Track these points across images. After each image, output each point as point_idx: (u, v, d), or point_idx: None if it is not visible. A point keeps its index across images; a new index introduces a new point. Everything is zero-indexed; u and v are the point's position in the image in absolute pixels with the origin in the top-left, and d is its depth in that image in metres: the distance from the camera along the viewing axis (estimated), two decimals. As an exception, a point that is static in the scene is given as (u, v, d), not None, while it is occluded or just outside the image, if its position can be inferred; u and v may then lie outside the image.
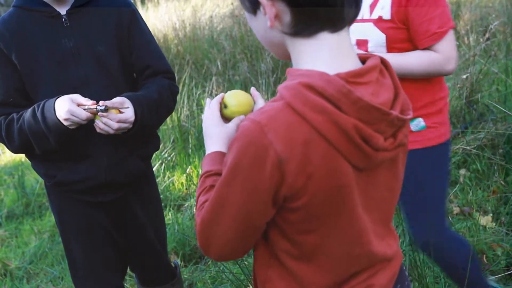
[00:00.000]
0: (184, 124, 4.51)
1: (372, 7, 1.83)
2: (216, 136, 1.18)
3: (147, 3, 9.44)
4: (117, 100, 1.75)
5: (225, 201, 0.95)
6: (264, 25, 0.97)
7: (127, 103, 1.77)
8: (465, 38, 5.10)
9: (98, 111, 1.70)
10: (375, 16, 1.82)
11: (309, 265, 1.04)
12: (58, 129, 1.74)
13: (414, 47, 1.83)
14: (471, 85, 3.93)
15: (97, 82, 1.81)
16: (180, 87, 5.06)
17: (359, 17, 1.77)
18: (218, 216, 0.97)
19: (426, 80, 1.87)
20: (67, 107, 1.69)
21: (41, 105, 1.76)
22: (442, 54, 1.81)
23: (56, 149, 1.82)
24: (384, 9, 1.80)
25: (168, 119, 4.56)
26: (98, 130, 1.76)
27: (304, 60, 0.96)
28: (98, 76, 1.82)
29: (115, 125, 1.73)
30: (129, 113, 1.76)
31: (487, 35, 4.88)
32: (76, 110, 1.68)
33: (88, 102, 1.71)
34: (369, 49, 1.84)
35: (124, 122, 1.75)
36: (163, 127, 4.59)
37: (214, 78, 5.32)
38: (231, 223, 0.96)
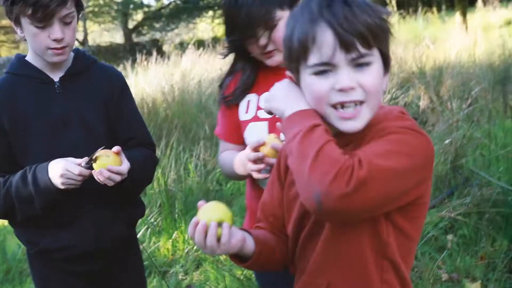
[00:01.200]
0: (171, 188, 4.49)
1: None
2: (301, 95, 1.23)
3: (137, 67, 9.60)
4: (118, 147, 1.77)
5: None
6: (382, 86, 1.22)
7: (122, 154, 1.78)
8: (448, 104, 5.22)
9: (85, 167, 1.72)
10: None
11: (408, 261, 1.26)
12: (47, 191, 1.73)
13: None
14: (456, 150, 3.98)
15: (86, 149, 1.82)
16: (168, 151, 5.07)
17: None
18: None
19: None
20: (63, 164, 1.71)
21: (33, 168, 1.78)
22: None
23: (39, 215, 1.80)
24: None
25: (155, 183, 4.54)
26: (96, 178, 1.74)
27: None
28: (87, 144, 1.84)
29: (118, 178, 1.74)
30: (126, 164, 1.78)
31: (469, 101, 5.00)
32: (70, 166, 1.70)
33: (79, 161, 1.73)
34: None
35: (121, 173, 1.75)
36: (149, 191, 4.56)
37: (202, 143, 5.35)
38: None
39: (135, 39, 24.28)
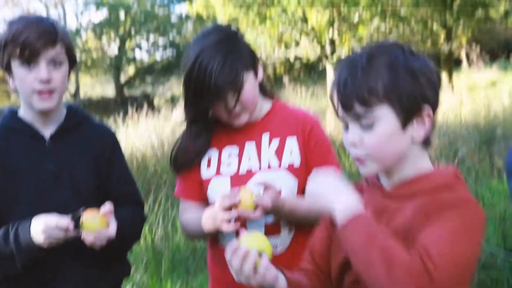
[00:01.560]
0: (158, 245, 4.43)
1: (279, 153, 1.80)
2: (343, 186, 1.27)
3: (128, 121, 9.65)
4: (107, 208, 1.73)
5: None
6: (406, 137, 1.26)
7: (112, 218, 1.75)
8: (436, 164, 5.27)
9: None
10: (285, 163, 1.79)
11: None
12: (29, 249, 1.70)
13: None
14: (444, 210, 3.99)
15: (72, 207, 1.79)
16: (156, 207, 5.04)
17: (265, 165, 1.79)
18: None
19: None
20: (44, 220, 1.68)
21: (15, 225, 1.74)
22: None
23: (20, 273, 1.75)
24: (293, 155, 1.79)
25: (141, 240, 4.48)
26: (86, 242, 1.70)
27: (425, 163, 1.30)
28: (74, 202, 1.82)
29: (105, 241, 1.71)
30: (114, 226, 1.74)
31: (456, 161, 5.06)
32: (50, 221, 1.67)
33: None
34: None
35: (109, 237, 1.72)
36: (136, 248, 4.50)
37: (190, 199, 5.31)
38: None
39: (127, 92, 24.52)
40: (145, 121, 9.24)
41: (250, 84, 1.74)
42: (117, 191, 1.96)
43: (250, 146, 1.82)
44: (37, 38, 1.72)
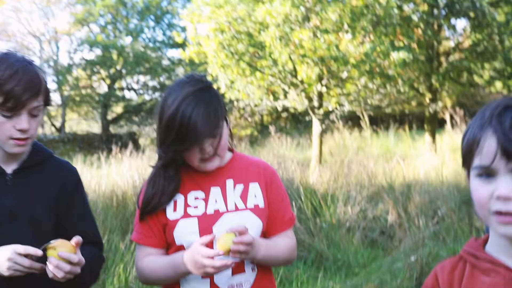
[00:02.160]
0: (132, 285, 4.34)
1: (244, 196, 1.89)
2: None
3: (111, 158, 9.60)
4: (76, 239, 1.71)
5: None
6: None
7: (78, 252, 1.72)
8: (416, 220, 5.30)
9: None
10: (250, 205, 1.88)
11: None
12: None
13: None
14: (421, 267, 4.00)
15: (29, 244, 1.74)
16: (132, 246, 4.96)
17: (232, 206, 1.86)
18: None
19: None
20: (12, 248, 1.66)
21: None
22: (293, 240, 1.95)
23: None
24: (257, 197, 1.89)
25: (115, 279, 4.39)
26: (49, 272, 1.67)
27: None
28: (31, 239, 1.77)
29: (67, 267, 1.67)
30: (79, 255, 1.71)
31: (436, 219, 5.09)
32: (18, 248, 1.66)
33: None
34: None
35: (77, 264, 1.69)
36: (109, 287, 4.40)
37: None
38: None
39: (112, 129, 24.48)
40: (129, 160, 9.19)
41: (225, 132, 1.82)
42: (76, 230, 1.91)
43: (215, 190, 1.88)
44: (22, 91, 1.71)
